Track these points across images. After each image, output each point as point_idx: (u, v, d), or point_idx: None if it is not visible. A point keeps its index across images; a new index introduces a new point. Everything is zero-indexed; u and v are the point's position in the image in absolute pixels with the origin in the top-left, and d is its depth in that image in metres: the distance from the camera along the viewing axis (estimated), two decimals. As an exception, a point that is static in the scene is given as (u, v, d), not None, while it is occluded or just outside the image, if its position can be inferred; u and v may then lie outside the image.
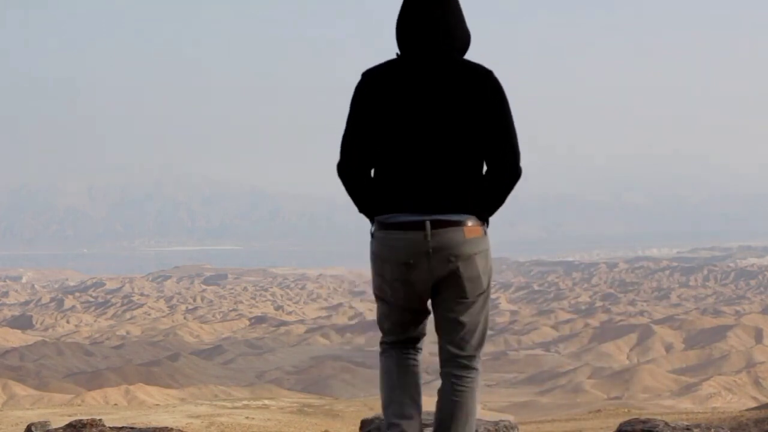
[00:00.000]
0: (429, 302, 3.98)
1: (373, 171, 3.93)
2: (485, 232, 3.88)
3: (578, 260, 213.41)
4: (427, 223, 3.78)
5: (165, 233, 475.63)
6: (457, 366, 3.97)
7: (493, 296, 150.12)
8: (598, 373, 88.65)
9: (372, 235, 3.93)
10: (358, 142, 3.86)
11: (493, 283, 4.03)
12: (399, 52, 3.91)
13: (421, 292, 3.90)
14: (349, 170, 3.90)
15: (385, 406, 4.01)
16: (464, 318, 3.92)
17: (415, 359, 4.04)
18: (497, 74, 3.87)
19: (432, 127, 3.79)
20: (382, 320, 4.05)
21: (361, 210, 3.95)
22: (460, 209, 3.81)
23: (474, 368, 3.99)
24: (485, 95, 3.79)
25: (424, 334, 4.08)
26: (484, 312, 3.98)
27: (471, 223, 3.82)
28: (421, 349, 4.08)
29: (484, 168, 3.88)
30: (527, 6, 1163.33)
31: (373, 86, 3.84)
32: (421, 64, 3.83)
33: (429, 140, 3.79)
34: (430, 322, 4.09)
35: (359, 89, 3.87)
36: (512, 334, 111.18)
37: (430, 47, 3.83)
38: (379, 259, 3.89)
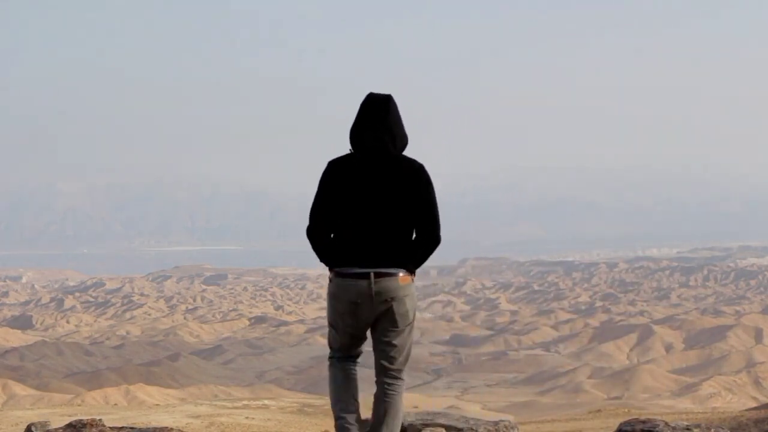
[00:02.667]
0: (368, 331, 5.42)
1: (333, 235, 5.32)
2: (413, 280, 5.32)
3: (578, 260, 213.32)
4: (372, 274, 5.22)
5: (165, 233, 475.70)
6: (388, 376, 5.45)
7: (492, 296, 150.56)
8: (598, 373, 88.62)
9: (330, 279, 5.37)
10: (322, 213, 5.28)
11: (416, 316, 5.68)
12: (351, 149, 5.28)
13: (364, 323, 5.37)
14: (315, 234, 5.32)
15: (333, 404, 5.54)
16: (395, 341, 5.38)
17: (354, 369, 5.56)
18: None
19: (376, 206, 5.21)
20: (331, 341, 5.59)
21: (322, 260, 5.35)
22: (395, 265, 5.24)
23: (401, 378, 5.46)
24: (417, 183, 5.22)
25: (361, 352, 5.57)
26: (410, 338, 5.43)
27: (402, 274, 5.26)
28: (359, 362, 5.56)
29: (413, 235, 5.30)
30: (528, 6, 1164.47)
31: (336, 173, 5.25)
32: (371, 160, 5.24)
33: (374, 215, 5.21)
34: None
35: (325, 174, 5.28)
36: (512, 334, 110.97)
37: (378, 149, 5.24)
38: (334, 298, 5.39)
